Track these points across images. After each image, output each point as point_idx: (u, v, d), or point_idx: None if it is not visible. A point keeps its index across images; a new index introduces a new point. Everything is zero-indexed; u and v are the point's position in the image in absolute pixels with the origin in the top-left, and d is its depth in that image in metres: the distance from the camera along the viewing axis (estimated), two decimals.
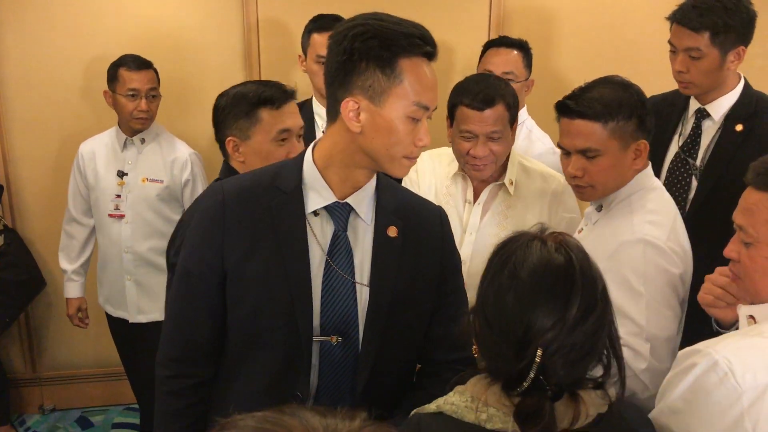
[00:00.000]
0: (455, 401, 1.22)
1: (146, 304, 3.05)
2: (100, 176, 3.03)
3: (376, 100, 1.39)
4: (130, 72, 2.93)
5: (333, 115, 1.46)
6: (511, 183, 2.30)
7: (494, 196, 2.32)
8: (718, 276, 1.65)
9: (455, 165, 2.35)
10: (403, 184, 2.21)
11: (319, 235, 1.51)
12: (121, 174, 3.02)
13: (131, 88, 2.93)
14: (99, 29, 3.34)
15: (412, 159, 1.46)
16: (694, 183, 2.44)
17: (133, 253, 3.02)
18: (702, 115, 2.45)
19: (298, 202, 1.50)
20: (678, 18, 2.35)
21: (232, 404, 0.85)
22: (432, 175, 2.41)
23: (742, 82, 2.45)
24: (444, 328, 1.60)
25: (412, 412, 1.29)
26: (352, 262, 1.53)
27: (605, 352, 1.23)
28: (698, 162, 2.44)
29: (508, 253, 1.21)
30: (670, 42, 2.41)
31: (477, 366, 1.28)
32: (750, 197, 1.43)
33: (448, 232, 1.67)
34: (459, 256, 1.73)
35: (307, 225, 1.51)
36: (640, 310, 1.76)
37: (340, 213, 1.52)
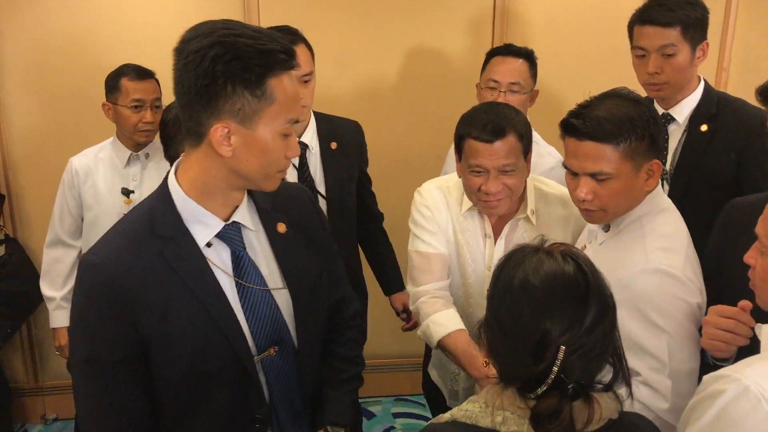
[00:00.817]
0: (469, 408, 1.25)
1: None
2: (102, 195, 2.83)
3: (247, 122, 1.34)
4: (133, 82, 2.77)
5: (196, 139, 1.39)
6: (533, 213, 2.14)
7: (515, 228, 2.16)
8: (721, 319, 1.59)
9: (460, 195, 2.21)
10: (417, 220, 2.20)
11: (219, 262, 1.47)
12: (127, 192, 2.83)
13: (135, 99, 2.76)
14: (98, 37, 3.32)
15: (284, 171, 1.45)
16: (666, 188, 2.43)
17: None
18: (667, 119, 2.45)
19: (188, 241, 1.43)
20: (645, 18, 2.36)
21: None
22: (446, 210, 2.22)
23: (702, 83, 2.47)
24: (337, 290, 1.72)
25: (428, 423, 1.31)
26: (260, 273, 1.52)
27: (614, 355, 1.26)
28: (668, 166, 2.44)
29: (514, 266, 1.24)
30: (637, 47, 2.40)
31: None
32: None
33: (317, 204, 1.73)
34: (326, 217, 1.80)
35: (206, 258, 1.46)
36: (661, 346, 1.67)
37: (233, 234, 1.49)
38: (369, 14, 3.48)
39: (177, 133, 1.96)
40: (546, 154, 2.70)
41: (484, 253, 2.17)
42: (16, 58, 3.29)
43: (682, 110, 2.44)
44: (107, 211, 2.81)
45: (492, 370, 1.31)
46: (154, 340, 1.40)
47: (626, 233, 1.81)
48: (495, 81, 2.70)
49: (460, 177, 2.12)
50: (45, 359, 3.65)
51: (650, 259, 1.71)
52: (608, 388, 1.25)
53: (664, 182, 2.44)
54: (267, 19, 3.36)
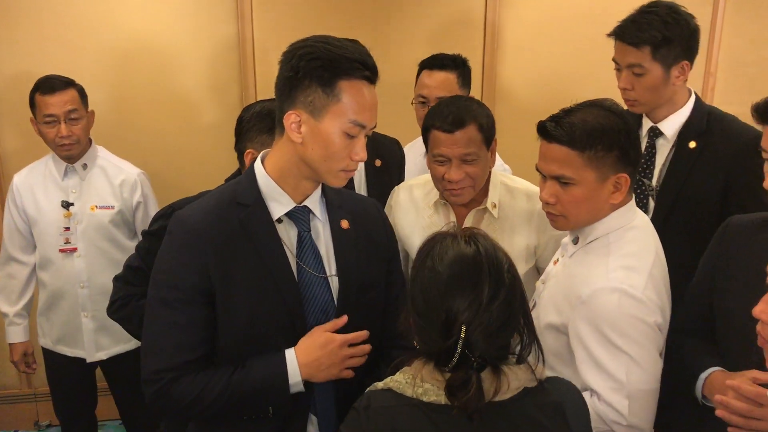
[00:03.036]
0: (399, 379, 1.39)
1: (104, 339, 2.90)
2: (43, 209, 2.81)
3: (316, 114, 1.53)
4: (45, 96, 2.70)
5: (280, 129, 1.60)
6: (495, 206, 2.24)
7: (479, 221, 2.25)
8: (737, 403, 1.57)
9: (435, 193, 2.29)
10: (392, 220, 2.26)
11: (286, 239, 1.64)
12: (67, 204, 2.80)
13: (47, 114, 2.70)
14: (91, 43, 3.34)
15: (349, 171, 1.61)
16: (652, 204, 2.39)
17: (90, 288, 2.84)
18: (655, 133, 2.40)
19: (263, 211, 1.62)
20: (618, 34, 2.31)
21: None
22: (413, 208, 2.36)
23: (693, 97, 2.40)
24: (391, 306, 1.80)
25: (367, 389, 1.45)
26: (320, 258, 1.67)
27: (522, 325, 1.38)
28: (654, 182, 2.39)
29: (425, 252, 1.38)
30: (614, 59, 2.37)
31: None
32: None
33: (386, 218, 1.87)
34: (396, 241, 1.92)
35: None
36: (619, 366, 1.69)
37: (301, 216, 1.66)
38: (360, 17, 3.48)
39: (249, 130, 2.11)
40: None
41: None
42: (10, 64, 3.32)
43: (671, 125, 2.38)
44: (50, 224, 2.81)
45: None
46: (220, 290, 1.57)
47: (593, 249, 1.81)
48: (423, 97, 2.72)
49: (429, 167, 2.23)
50: (38, 365, 3.63)
51: (611, 278, 1.71)
52: (520, 360, 1.38)
53: (650, 198, 2.39)
54: (259, 18, 3.39)
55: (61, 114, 2.71)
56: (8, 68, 3.33)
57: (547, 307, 1.84)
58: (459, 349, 1.31)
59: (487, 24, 3.56)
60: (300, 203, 1.65)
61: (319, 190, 1.70)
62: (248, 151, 2.09)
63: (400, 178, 2.84)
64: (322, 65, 1.51)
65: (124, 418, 3.19)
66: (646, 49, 2.26)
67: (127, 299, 2.19)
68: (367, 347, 1.68)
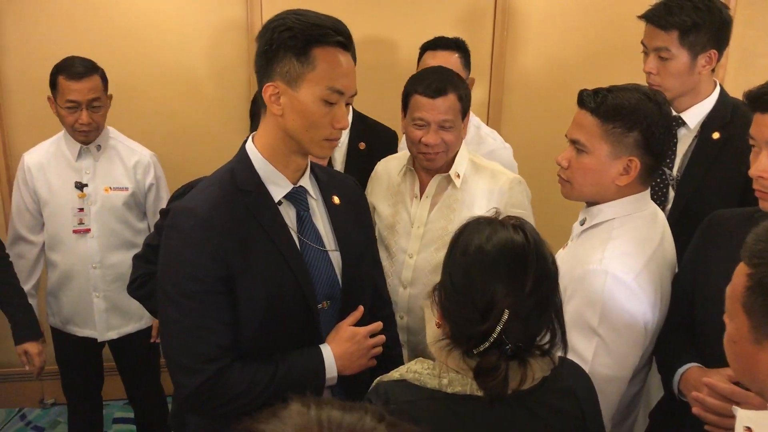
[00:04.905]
0: (418, 369, 1.38)
1: (115, 319, 2.92)
2: (56, 190, 2.80)
3: (293, 84, 1.55)
4: (69, 81, 2.67)
5: (263, 105, 1.62)
6: (458, 176, 2.33)
7: (443, 190, 2.36)
8: (712, 401, 1.55)
9: (404, 163, 2.42)
10: (368, 191, 2.49)
11: (287, 220, 1.68)
12: (81, 186, 2.80)
13: (70, 100, 2.68)
14: (98, 23, 3.32)
15: (332, 141, 1.62)
16: (672, 194, 2.38)
17: (102, 268, 2.85)
18: (677, 123, 2.36)
19: (266, 195, 1.65)
20: (648, 16, 2.32)
21: None
22: (386, 177, 2.49)
23: (718, 89, 2.39)
24: (377, 273, 1.95)
25: (375, 381, 1.43)
26: (320, 235, 1.73)
27: (553, 320, 1.38)
28: (675, 172, 2.38)
29: (471, 233, 1.37)
30: (642, 42, 2.37)
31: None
32: None
33: (362, 191, 1.96)
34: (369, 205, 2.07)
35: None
36: (588, 346, 1.70)
37: (299, 196, 1.70)
38: (369, 7, 3.47)
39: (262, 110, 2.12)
40: (486, 136, 2.87)
41: (410, 212, 2.38)
42: (17, 44, 3.31)
43: (695, 116, 2.36)
44: (63, 205, 2.80)
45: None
46: (239, 276, 1.59)
47: (596, 233, 1.83)
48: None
49: (403, 131, 2.36)
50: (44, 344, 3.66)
51: (604, 261, 1.73)
52: (545, 353, 1.39)
53: (670, 188, 2.38)
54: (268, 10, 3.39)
55: (84, 101, 2.69)
56: (16, 47, 3.32)
57: None
58: (497, 333, 1.30)
59: (497, 10, 3.54)
60: (296, 183, 1.68)
61: (308, 170, 1.73)
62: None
63: None
64: (294, 35, 1.53)
65: (131, 397, 3.22)
66: (674, 33, 2.26)
67: (147, 277, 2.20)
68: (383, 338, 1.75)
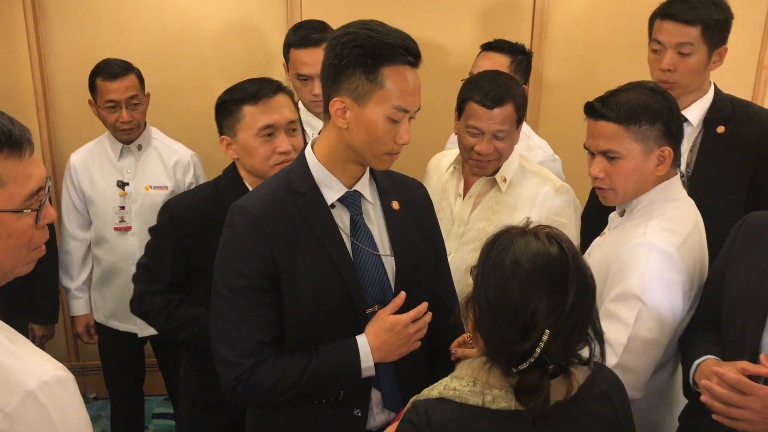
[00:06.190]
0: (456, 386, 1.34)
1: None
2: (99, 188, 2.91)
3: (360, 101, 1.57)
4: (106, 82, 2.77)
5: (327, 115, 1.64)
6: (504, 180, 2.32)
7: (487, 190, 2.35)
8: (721, 390, 1.57)
9: (453, 161, 2.41)
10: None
11: (340, 223, 1.70)
12: (122, 184, 2.89)
13: (108, 100, 2.77)
14: (142, 25, 3.39)
15: (393, 155, 1.65)
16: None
17: None
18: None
19: (318, 198, 1.68)
20: (668, 12, 2.34)
21: None
22: (435, 173, 2.50)
23: (713, 86, 2.45)
24: (441, 283, 1.90)
25: (412, 399, 1.40)
26: (373, 239, 1.73)
27: (591, 332, 1.35)
28: (683, 168, 2.41)
29: (504, 245, 1.32)
30: (654, 40, 2.39)
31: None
32: None
33: (429, 198, 1.95)
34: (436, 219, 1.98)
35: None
36: (630, 312, 1.77)
37: (353, 200, 1.72)
38: (407, 3, 3.50)
39: (219, 117, 2.17)
40: (536, 146, 2.79)
41: (453, 210, 2.38)
42: (64, 45, 3.39)
43: (696, 112, 2.42)
44: (106, 203, 2.90)
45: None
46: (285, 275, 1.63)
47: (635, 216, 1.92)
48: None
49: (456, 133, 2.32)
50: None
51: (647, 236, 1.82)
52: (585, 363, 1.37)
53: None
54: (309, 13, 3.42)
55: (123, 100, 2.78)
56: (62, 49, 3.40)
57: None
58: (537, 355, 1.26)
59: (536, 12, 3.53)
60: (350, 188, 1.71)
61: (367, 174, 1.75)
62: (222, 137, 2.17)
63: None
64: (365, 52, 1.54)
65: (171, 393, 3.27)
66: (697, 27, 2.29)
67: (142, 296, 2.24)
68: (428, 317, 1.72)
